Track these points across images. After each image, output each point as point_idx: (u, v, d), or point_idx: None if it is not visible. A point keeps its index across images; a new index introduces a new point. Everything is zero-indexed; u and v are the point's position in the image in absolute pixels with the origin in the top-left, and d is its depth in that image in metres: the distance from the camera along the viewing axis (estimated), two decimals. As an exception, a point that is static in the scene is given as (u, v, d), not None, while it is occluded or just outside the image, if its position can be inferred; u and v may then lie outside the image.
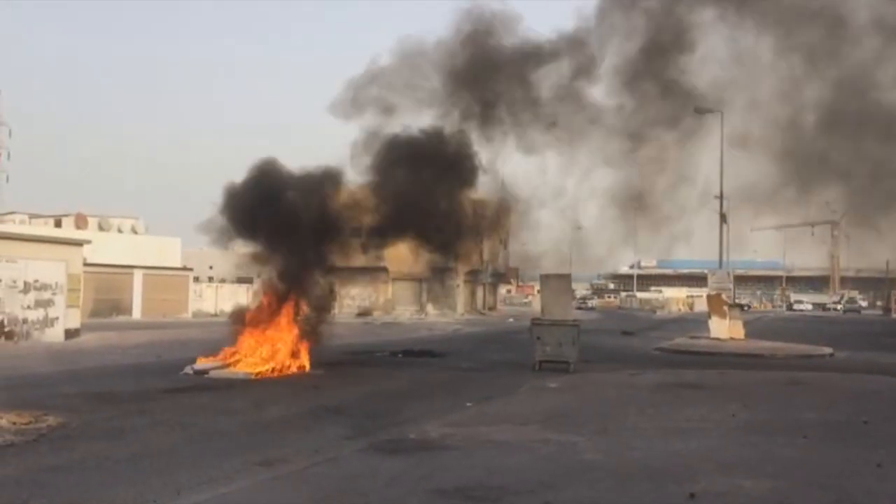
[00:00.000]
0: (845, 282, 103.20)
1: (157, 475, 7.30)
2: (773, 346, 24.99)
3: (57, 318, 23.68)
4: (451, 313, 52.25)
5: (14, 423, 9.27)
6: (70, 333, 23.96)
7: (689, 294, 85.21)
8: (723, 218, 34.32)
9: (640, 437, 9.04)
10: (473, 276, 59.15)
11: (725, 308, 28.67)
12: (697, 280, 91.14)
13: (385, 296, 52.86)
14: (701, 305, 51.46)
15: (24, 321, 22.71)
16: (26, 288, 22.82)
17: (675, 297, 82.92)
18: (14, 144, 62.60)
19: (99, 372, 15.93)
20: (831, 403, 12.09)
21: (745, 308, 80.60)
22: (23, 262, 22.76)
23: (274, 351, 16.15)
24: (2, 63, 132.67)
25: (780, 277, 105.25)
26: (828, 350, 23.55)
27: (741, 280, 79.83)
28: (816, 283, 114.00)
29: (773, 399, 12.61)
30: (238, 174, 17.97)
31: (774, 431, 9.46)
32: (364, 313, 48.81)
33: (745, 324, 30.13)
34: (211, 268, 56.98)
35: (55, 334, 23.41)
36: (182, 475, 7.28)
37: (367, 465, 7.59)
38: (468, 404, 11.84)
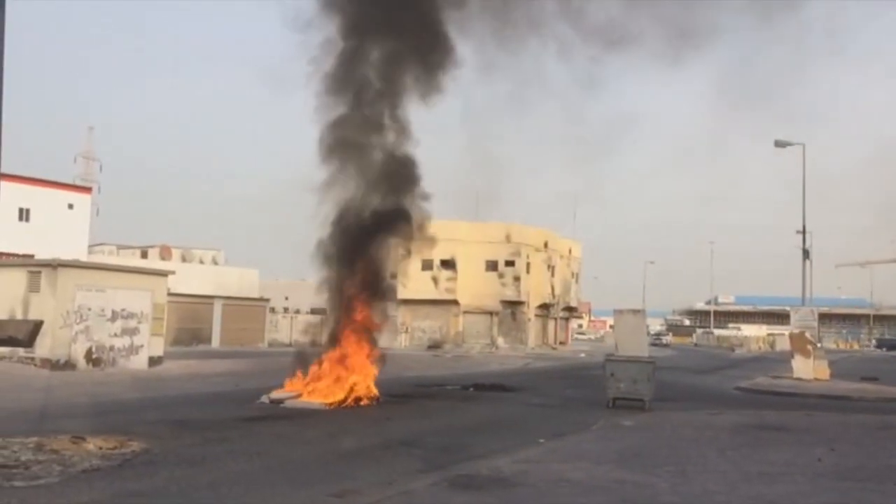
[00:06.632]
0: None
1: (234, 502, 7.46)
2: (861, 388, 23.89)
3: (142, 346, 24.53)
4: (521, 347, 51.85)
5: (100, 448, 9.64)
6: (154, 361, 24.77)
7: (770, 332, 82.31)
8: (805, 254, 33.19)
9: (720, 479, 8.74)
10: (545, 310, 58.68)
11: (810, 347, 27.60)
12: (778, 317, 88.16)
13: (456, 328, 52.85)
14: (783, 344, 49.56)
15: (111, 348, 23.60)
16: (114, 316, 23.74)
17: (754, 335, 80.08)
18: (104, 178, 65.70)
19: (181, 399, 16.42)
20: (927, 450, 11.45)
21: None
22: (111, 292, 23.73)
23: (347, 382, 16.36)
24: (95, 102, 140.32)
25: (866, 316, 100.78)
26: (921, 393, 22.35)
27: (824, 318, 76.77)
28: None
29: (863, 443, 12.03)
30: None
31: (864, 478, 9.02)
32: (434, 346, 48.94)
33: (831, 364, 28.92)
34: (286, 298, 58.26)
35: (140, 362, 24.24)
36: (258, 503, 7.41)
37: (440, 500, 7.56)
38: (541, 440, 11.70)
